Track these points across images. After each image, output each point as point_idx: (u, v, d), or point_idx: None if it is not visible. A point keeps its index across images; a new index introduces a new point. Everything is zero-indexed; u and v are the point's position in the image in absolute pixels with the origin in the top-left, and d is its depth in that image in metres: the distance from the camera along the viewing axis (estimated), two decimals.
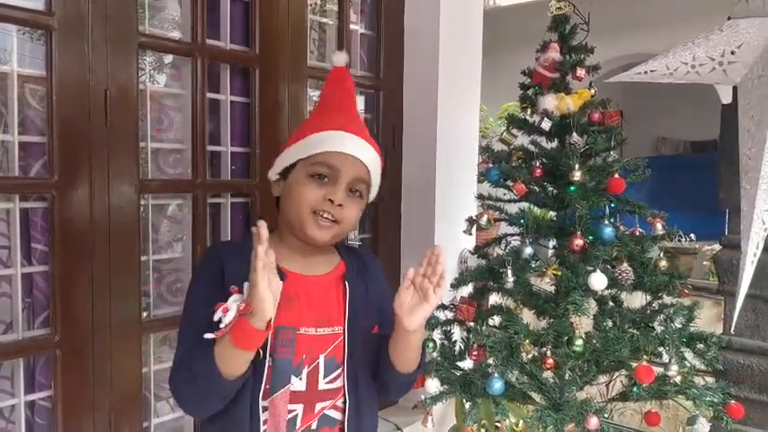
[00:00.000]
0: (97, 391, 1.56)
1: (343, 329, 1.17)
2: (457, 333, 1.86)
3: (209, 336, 1.02)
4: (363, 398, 1.20)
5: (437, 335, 1.85)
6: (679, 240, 3.86)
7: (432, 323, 1.83)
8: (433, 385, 1.69)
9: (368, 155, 1.20)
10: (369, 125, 2.37)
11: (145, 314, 1.69)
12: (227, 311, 1.01)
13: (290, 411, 1.14)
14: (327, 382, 1.16)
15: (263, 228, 0.99)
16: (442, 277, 1.07)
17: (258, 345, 1.04)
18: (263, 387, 1.11)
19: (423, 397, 1.69)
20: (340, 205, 1.14)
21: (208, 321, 1.07)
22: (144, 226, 1.69)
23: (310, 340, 1.15)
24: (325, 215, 1.14)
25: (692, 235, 3.93)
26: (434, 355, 1.80)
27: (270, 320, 1.02)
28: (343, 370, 1.17)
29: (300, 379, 1.14)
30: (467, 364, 1.78)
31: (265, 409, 1.13)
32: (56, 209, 1.47)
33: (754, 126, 1.42)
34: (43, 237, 1.50)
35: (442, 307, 1.85)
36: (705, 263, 3.53)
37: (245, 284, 1.04)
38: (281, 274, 1.14)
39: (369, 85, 2.31)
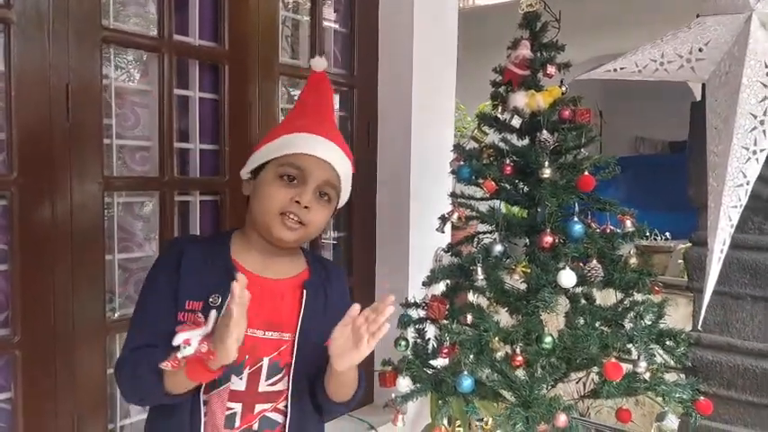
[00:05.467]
0: (60, 393, 1.52)
1: (293, 337, 1.16)
2: (430, 332, 1.85)
3: (163, 366, 1.01)
4: (308, 405, 1.20)
5: (410, 333, 1.84)
6: (654, 239, 3.90)
7: (404, 321, 1.82)
8: (404, 384, 1.67)
9: (339, 160, 1.19)
10: (343, 123, 2.36)
11: (110, 314, 1.65)
12: (188, 344, 0.99)
13: (228, 409, 1.14)
14: (269, 385, 1.16)
15: (239, 286, 0.98)
16: (380, 329, 1.05)
17: (208, 379, 1.05)
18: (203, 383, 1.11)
19: (393, 395, 1.67)
20: (306, 207, 1.13)
21: (158, 315, 1.09)
22: (109, 224, 1.66)
23: (256, 342, 1.15)
24: (292, 216, 1.13)
25: (668, 234, 3.97)
26: (407, 353, 1.79)
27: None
28: (287, 374, 1.17)
29: (241, 378, 1.14)
30: (440, 362, 1.77)
31: (206, 403, 1.13)
32: (15, 207, 1.44)
33: (721, 123, 1.43)
34: (3, 235, 1.47)
35: (415, 305, 1.84)
36: (680, 261, 3.57)
37: (212, 314, 1.02)
38: (236, 272, 1.13)
39: (343, 82, 2.29)
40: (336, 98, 2.36)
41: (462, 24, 2.56)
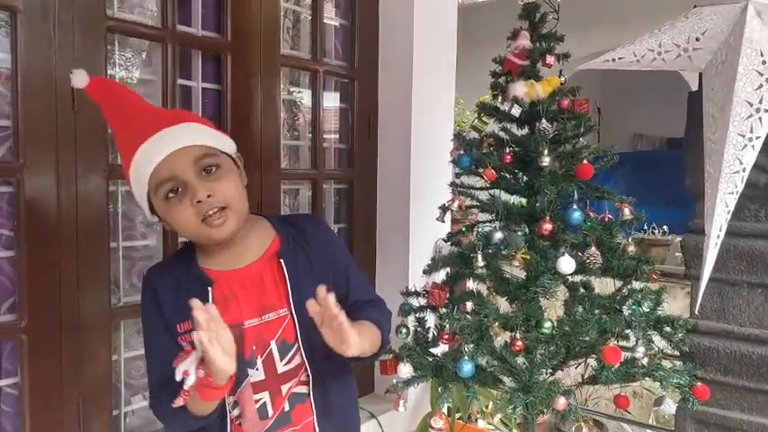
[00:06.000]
0: (66, 378, 1.54)
1: (289, 310, 1.16)
2: (431, 320, 1.87)
3: (178, 403, 1.02)
4: (326, 369, 1.20)
5: (411, 321, 1.86)
6: (653, 233, 3.92)
7: (405, 309, 1.84)
8: (405, 370, 1.69)
9: (183, 135, 1.09)
10: (343, 114, 2.38)
11: (115, 301, 1.67)
12: (188, 375, 1.00)
13: (257, 401, 1.15)
14: (285, 364, 1.17)
15: (199, 311, 0.96)
16: (340, 324, 1.01)
17: (225, 394, 1.06)
18: None
19: (394, 381, 1.70)
20: (209, 196, 1.07)
21: (163, 350, 1.12)
22: (113, 212, 1.68)
23: (257, 330, 1.15)
24: (210, 213, 1.08)
25: (665, 227, 4.00)
26: (408, 340, 1.81)
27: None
28: (298, 348, 1.17)
29: (257, 369, 1.15)
30: (440, 350, 1.79)
31: (237, 403, 1.15)
32: (22, 193, 1.45)
33: (717, 111, 1.45)
34: (9, 221, 1.48)
35: (416, 294, 1.86)
36: (677, 254, 3.59)
37: (196, 337, 1.01)
38: (208, 279, 1.14)
39: (343, 74, 2.31)
40: (337, 90, 2.38)
41: (461, 20, 2.58)
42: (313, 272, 1.17)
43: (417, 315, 1.85)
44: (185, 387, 0.99)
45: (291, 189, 2.28)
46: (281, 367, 1.16)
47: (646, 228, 4.07)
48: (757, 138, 1.37)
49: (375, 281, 2.42)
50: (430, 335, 1.82)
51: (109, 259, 1.62)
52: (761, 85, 1.37)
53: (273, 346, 1.16)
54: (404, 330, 1.80)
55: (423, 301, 1.83)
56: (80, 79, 1.13)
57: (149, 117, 1.13)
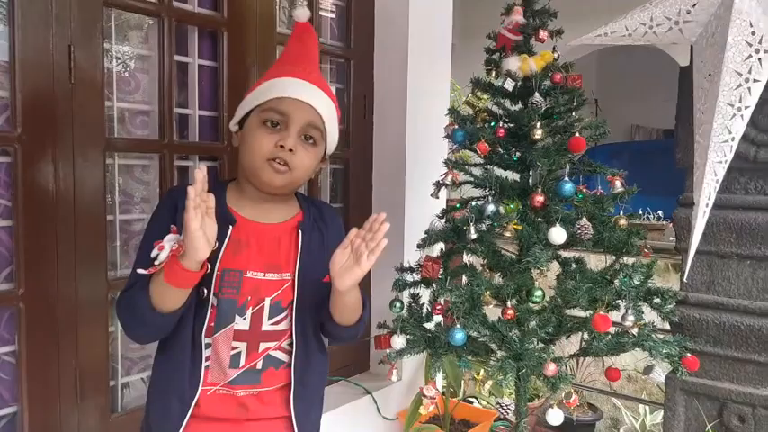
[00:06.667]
0: (63, 347, 1.56)
1: (293, 276, 1.20)
2: (425, 296, 1.89)
3: (141, 271, 1.06)
4: (312, 342, 1.24)
5: (405, 297, 1.88)
6: (648, 218, 3.95)
7: (399, 285, 1.86)
8: (399, 341, 1.72)
9: (319, 101, 1.20)
10: (339, 95, 2.39)
11: (112, 273, 1.69)
12: (162, 249, 1.04)
13: (233, 348, 1.18)
14: (272, 324, 1.20)
15: (200, 172, 1.02)
16: (378, 245, 1.08)
17: (191, 284, 1.08)
18: (206, 325, 1.16)
19: (387, 351, 1.72)
20: (291, 150, 1.15)
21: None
22: (110, 185, 1.69)
23: (257, 283, 1.19)
24: (278, 161, 1.16)
25: (660, 212, 4.03)
26: (403, 313, 1.83)
27: (204, 261, 1.06)
28: (289, 314, 1.21)
29: (244, 319, 1.18)
30: (433, 324, 1.81)
31: (208, 345, 1.17)
32: (19, 163, 1.47)
33: (707, 82, 1.47)
34: (6, 191, 1.50)
35: (410, 270, 1.88)
36: (672, 239, 3.62)
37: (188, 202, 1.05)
38: (232, 218, 1.19)
39: (339, 54, 2.32)
40: (333, 69, 2.39)
41: (459, 9, 2.59)
42: (323, 251, 1.22)
43: (411, 291, 1.87)
44: (156, 262, 1.03)
45: None
46: (267, 325, 1.19)
47: (641, 213, 4.10)
48: (746, 107, 1.38)
49: None
50: (424, 310, 1.84)
51: (106, 232, 1.64)
52: (750, 56, 1.38)
53: (267, 303, 1.19)
54: (398, 305, 1.82)
55: (416, 277, 1.85)
56: (303, 14, 1.28)
57: (314, 70, 1.26)
